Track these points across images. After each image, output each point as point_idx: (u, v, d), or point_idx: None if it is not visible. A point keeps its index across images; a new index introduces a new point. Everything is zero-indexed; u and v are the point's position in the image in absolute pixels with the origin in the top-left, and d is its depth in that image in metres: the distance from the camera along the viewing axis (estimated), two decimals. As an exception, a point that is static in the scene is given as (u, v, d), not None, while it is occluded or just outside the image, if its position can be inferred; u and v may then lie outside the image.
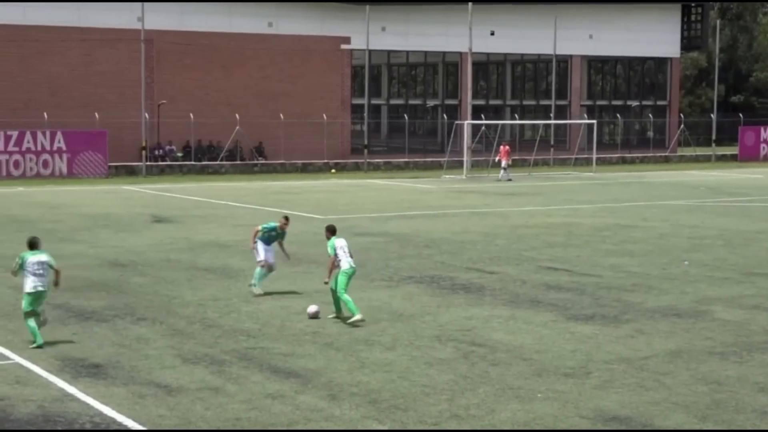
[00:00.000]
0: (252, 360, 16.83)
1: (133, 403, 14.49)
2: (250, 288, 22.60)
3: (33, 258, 17.98)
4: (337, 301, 19.98)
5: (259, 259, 22.54)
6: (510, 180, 58.43)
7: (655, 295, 22.63)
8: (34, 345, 17.61)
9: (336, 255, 19.86)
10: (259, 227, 22.80)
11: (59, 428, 13.51)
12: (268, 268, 22.64)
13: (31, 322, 17.80)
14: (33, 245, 18.32)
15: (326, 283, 20.06)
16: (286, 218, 23.00)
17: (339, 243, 20.11)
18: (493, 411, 14.21)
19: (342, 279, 19.67)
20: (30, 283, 17.81)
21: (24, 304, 17.89)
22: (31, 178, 57.15)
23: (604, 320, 19.95)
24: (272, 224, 22.93)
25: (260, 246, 22.56)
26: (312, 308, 20.11)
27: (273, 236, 22.76)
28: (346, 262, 19.81)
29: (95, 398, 14.66)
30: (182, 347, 17.68)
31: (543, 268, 26.50)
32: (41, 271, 17.91)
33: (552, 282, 24.31)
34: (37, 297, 17.85)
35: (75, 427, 13.51)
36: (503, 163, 59.80)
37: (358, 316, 19.39)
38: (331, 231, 20.56)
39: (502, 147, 60.88)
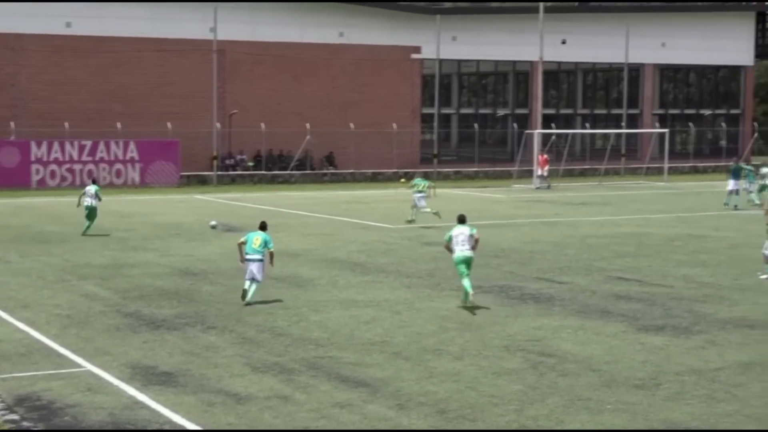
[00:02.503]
0: (320, 369, 16.88)
1: (203, 411, 14.60)
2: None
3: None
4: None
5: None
6: (549, 188, 59.30)
7: (727, 306, 22.37)
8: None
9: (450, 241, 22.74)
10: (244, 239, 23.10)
11: (130, 435, 13.65)
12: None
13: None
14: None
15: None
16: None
17: (456, 231, 22.77)
18: (562, 422, 14.12)
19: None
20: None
21: None
22: (104, 187, 57.66)
23: (675, 331, 19.75)
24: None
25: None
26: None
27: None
28: (458, 250, 22.43)
29: (165, 406, 14.79)
30: (251, 356, 17.78)
31: (613, 278, 26.30)
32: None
33: (622, 292, 24.12)
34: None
35: (145, 435, 13.65)
36: (539, 172, 60.36)
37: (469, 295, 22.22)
38: (458, 219, 23.53)
39: (540, 156, 61.33)
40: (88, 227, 35.54)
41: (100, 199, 36.10)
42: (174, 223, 39.44)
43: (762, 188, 47.85)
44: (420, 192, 39.07)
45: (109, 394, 15.45)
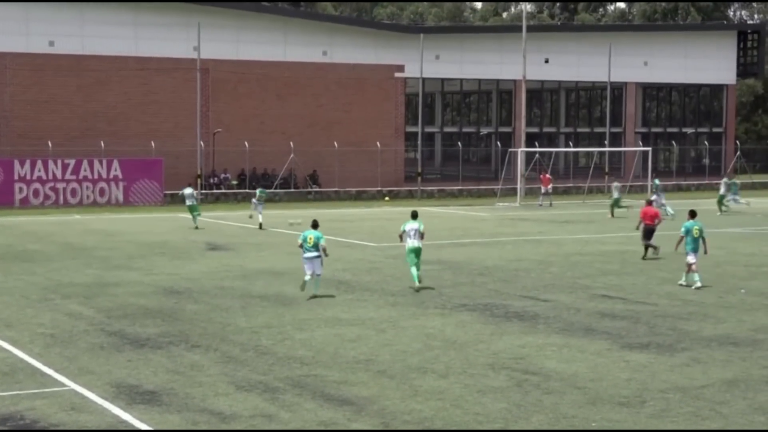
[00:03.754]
0: (305, 387, 16.84)
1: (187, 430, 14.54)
2: None
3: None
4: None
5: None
6: (551, 205, 59.76)
7: (711, 324, 22.41)
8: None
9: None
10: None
11: (114, 454, 13.59)
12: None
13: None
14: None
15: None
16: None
17: (409, 226, 27.22)
18: (547, 440, 14.11)
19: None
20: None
21: None
22: (88, 206, 57.75)
23: (660, 349, 19.78)
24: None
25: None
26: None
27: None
28: (409, 242, 26.97)
29: (149, 425, 14.74)
30: (236, 374, 17.74)
31: (597, 295, 26.34)
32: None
33: (606, 310, 24.15)
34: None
35: (129, 454, 13.59)
36: (543, 190, 60.88)
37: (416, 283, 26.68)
38: (412, 215, 27.65)
39: (542, 176, 61.90)
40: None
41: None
42: (158, 242, 39.37)
43: (721, 198, 54.16)
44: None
45: (93, 413, 15.38)
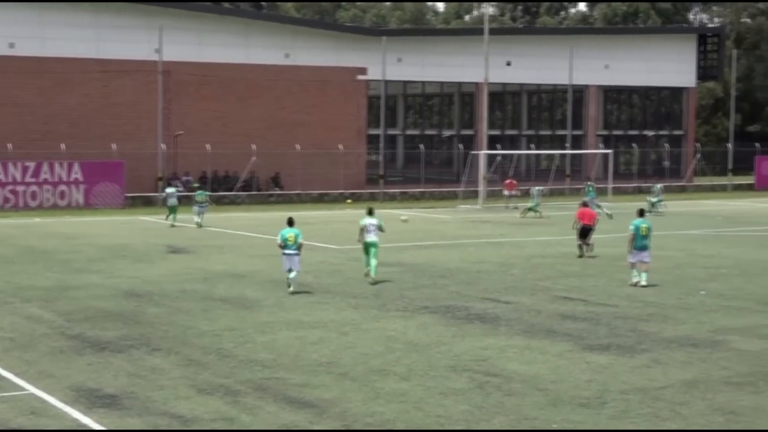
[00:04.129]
0: (267, 390, 16.82)
1: (148, 433, 14.50)
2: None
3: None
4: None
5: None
6: (507, 208, 60.41)
7: (671, 325, 22.55)
8: None
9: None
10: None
11: (74, 459, 13.51)
12: None
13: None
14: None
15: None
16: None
17: (367, 221, 28.82)
18: (508, 441, 14.15)
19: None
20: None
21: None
22: (48, 208, 57.38)
23: (620, 350, 19.89)
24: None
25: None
26: None
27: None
28: (367, 237, 28.82)
29: (110, 429, 14.66)
30: (197, 378, 17.68)
31: (558, 297, 26.45)
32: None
33: (567, 312, 24.26)
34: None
35: (89, 458, 13.52)
36: (507, 193, 61.32)
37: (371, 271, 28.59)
38: (368, 211, 29.49)
39: (509, 182, 62.33)
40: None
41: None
42: (119, 245, 39.18)
43: (652, 205, 55.62)
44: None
45: (53, 417, 15.29)
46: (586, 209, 36.63)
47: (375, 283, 28.31)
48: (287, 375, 17.86)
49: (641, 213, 29.44)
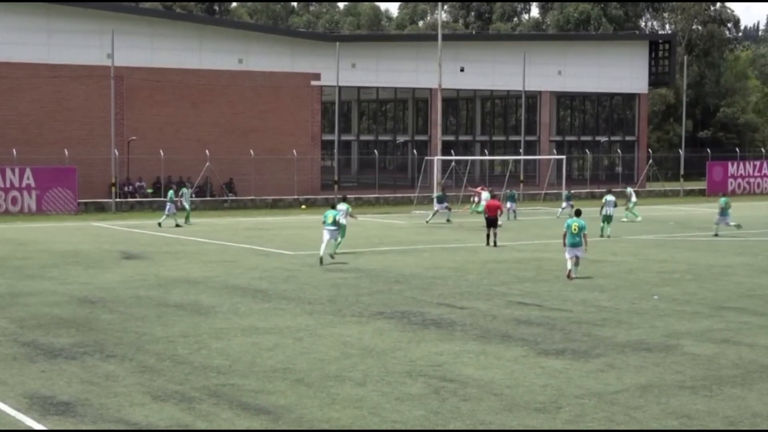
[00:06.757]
0: (222, 397, 16.74)
1: (103, 440, 14.38)
2: None
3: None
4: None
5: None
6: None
7: (625, 330, 22.67)
8: None
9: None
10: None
11: (27, 467, 13.38)
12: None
13: None
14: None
15: None
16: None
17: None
18: (465, 446, 14.16)
19: None
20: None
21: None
22: (0, 214, 56.86)
23: (575, 355, 19.97)
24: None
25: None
26: None
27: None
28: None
29: (64, 436, 14.54)
30: (152, 384, 17.57)
31: (513, 303, 26.52)
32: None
33: (522, 317, 24.33)
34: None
35: (43, 466, 13.39)
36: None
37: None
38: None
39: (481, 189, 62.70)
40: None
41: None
42: (72, 251, 38.90)
43: (629, 211, 56.31)
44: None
45: (6, 425, 15.14)
46: (493, 201, 41.98)
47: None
48: (242, 381, 17.79)
49: (578, 213, 32.04)
